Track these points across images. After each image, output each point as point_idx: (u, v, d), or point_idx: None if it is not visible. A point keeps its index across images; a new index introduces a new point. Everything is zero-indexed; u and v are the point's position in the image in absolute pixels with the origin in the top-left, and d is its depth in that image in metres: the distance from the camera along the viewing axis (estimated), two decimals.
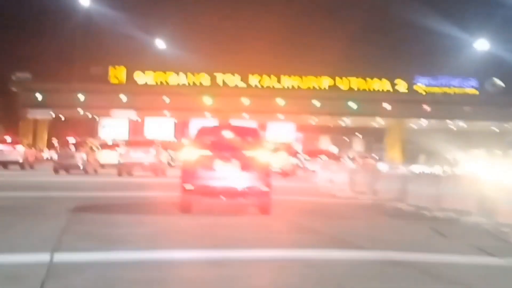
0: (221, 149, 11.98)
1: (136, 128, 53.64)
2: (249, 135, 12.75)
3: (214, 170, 11.73)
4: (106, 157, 33.27)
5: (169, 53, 50.80)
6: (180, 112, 53.13)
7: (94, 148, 31.11)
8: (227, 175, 11.77)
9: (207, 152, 11.88)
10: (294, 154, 36.08)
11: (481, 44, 43.04)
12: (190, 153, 12.07)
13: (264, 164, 12.00)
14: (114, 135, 48.68)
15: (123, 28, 46.90)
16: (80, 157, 28.80)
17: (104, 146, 36.82)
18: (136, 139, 31.56)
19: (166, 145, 33.63)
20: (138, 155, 27.87)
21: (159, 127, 53.48)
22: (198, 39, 52.00)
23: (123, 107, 51.88)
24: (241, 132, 13.05)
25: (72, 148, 29.16)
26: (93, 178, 25.74)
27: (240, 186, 11.75)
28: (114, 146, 37.12)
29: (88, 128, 52.14)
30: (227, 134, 12.78)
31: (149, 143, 29.06)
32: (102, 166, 32.49)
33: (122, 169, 27.72)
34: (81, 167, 28.68)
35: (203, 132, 12.92)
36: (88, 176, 26.68)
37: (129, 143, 29.84)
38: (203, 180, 11.65)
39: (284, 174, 30.77)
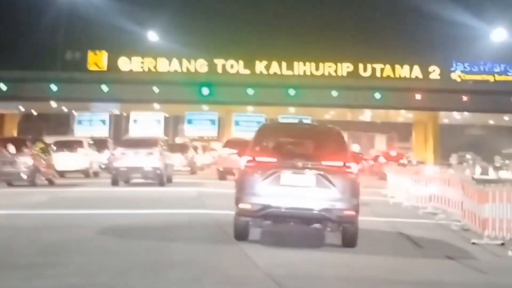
0: (291, 156, 10.64)
1: (119, 123, 52.02)
2: (329, 138, 11.18)
3: (281, 184, 10.40)
4: (70, 161, 29.69)
5: (161, 36, 49.67)
6: (172, 105, 51.07)
7: (45, 149, 25.74)
8: (299, 192, 10.40)
9: (271, 160, 10.57)
10: None
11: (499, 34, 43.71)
12: (247, 160, 10.66)
13: (350, 178, 10.53)
14: (93, 132, 47.12)
15: (106, 11, 46.14)
16: (23, 163, 23.61)
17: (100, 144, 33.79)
18: (134, 138, 27.75)
19: (173, 145, 30.39)
20: (138, 158, 25.04)
21: (146, 122, 51.80)
22: (196, 22, 49.08)
23: (104, 99, 49.11)
24: (318, 133, 11.71)
25: (11, 150, 23.90)
26: (67, 190, 22.94)
27: (316, 208, 10.32)
28: (103, 146, 33.88)
29: (64, 124, 48.79)
30: (299, 136, 11.34)
31: (152, 143, 26.01)
32: (61, 174, 28.96)
33: (118, 176, 24.99)
34: (24, 177, 23.61)
35: (265, 132, 11.58)
36: (54, 188, 23.47)
37: (125, 143, 26.76)
38: (265, 198, 10.37)
39: None
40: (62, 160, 29.00)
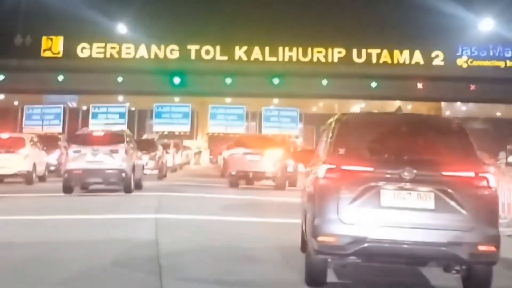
0: (394, 162, 8.19)
1: (76, 118, 50.71)
2: (448, 135, 8.72)
3: (381, 206, 7.95)
4: (6, 163, 26.79)
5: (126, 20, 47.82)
6: (138, 97, 49.67)
7: None
8: (409, 217, 7.94)
9: (365, 169, 8.15)
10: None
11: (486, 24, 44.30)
12: (328, 170, 8.23)
13: (487, 195, 8.05)
14: (44, 127, 46.23)
15: None
16: None
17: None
18: (93, 132, 24.36)
19: (138, 143, 27.91)
20: (98, 158, 22.41)
21: (108, 115, 49.90)
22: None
23: (59, 90, 47.32)
24: (431, 128, 8.96)
25: None
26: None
27: (437, 241, 7.86)
28: (53, 143, 31.02)
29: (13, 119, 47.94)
30: (403, 132, 8.71)
31: (115, 138, 23.25)
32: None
33: (70, 181, 22.43)
34: None
35: (349, 126, 8.81)
36: None
37: (81, 139, 23.70)
38: (358, 227, 7.96)
39: (277, 184, 27.04)
40: None
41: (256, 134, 29.98)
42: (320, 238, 8.08)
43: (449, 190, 7.89)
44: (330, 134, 8.76)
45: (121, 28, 47.35)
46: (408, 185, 7.98)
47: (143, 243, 11.77)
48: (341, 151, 8.40)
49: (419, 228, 7.93)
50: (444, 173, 8.00)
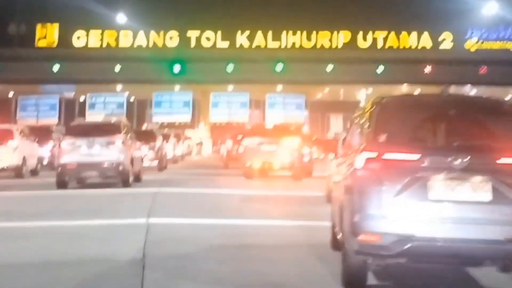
0: (443, 149, 7.49)
1: (73, 108, 50.32)
2: (502, 117, 7.91)
3: (430, 199, 7.22)
4: None
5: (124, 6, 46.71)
6: (137, 86, 48.97)
7: None
8: (463, 211, 7.22)
9: (411, 157, 7.39)
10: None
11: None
12: (369, 159, 7.49)
13: None
14: (40, 118, 46.22)
15: None
16: None
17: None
18: (88, 123, 23.69)
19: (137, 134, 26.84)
20: (94, 150, 21.58)
21: (106, 105, 49.85)
22: None
23: (55, 79, 46.64)
24: (481, 109, 8.15)
25: None
26: None
27: (497, 238, 7.12)
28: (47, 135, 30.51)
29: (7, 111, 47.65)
30: (450, 115, 7.90)
31: (112, 129, 22.43)
32: None
33: (65, 175, 21.61)
34: None
35: (389, 109, 8.04)
36: None
37: (76, 130, 22.84)
38: (404, 224, 7.23)
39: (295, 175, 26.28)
40: None
41: (270, 123, 29.60)
42: (361, 237, 7.39)
43: (508, 180, 7.15)
44: (367, 119, 7.97)
45: (119, 14, 46.48)
46: (460, 175, 7.26)
47: (124, 265, 9.12)
48: (382, 138, 7.59)
49: (474, 223, 7.22)
50: (502, 160, 7.23)
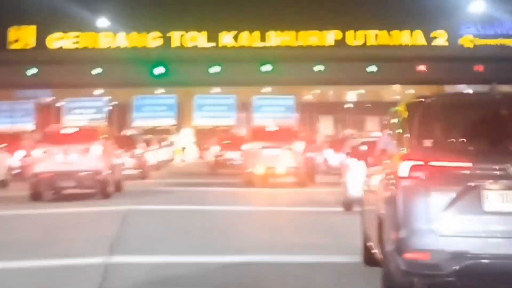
0: (496, 155, 7.09)
1: (49, 114, 49.47)
2: None
3: (485, 211, 6.88)
4: None
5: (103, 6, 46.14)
6: (117, 90, 49.42)
7: None
8: None
9: (461, 164, 7.01)
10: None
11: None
12: (413, 167, 7.09)
13: None
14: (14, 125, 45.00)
15: None
16: None
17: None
18: (63, 129, 23.04)
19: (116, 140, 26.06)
20: (70, 158, 20.74)
21: (85, 110, 48.72)
22: None
23: (30, 84, 46.51)
24: None
25: None
26: None
27: None
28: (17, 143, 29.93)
29: None
30: (500, 117, 7.66)
31: (89, 135, 21.63)
32: None
33: (38, 186, 20.68)
34: None
35: (431, 111, 7.66)
36: None
37: (50, 137, 22.14)
38: (456, 239, 6.87)
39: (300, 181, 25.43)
40: None
41: (272, 125, 29.06)
42: (407, 255, 7.04)
43: None
44: (408, 122, 7.65)
45: (98, 15, 45.91)
46: None
47: None
48: (427, 142, 7.33)
49: None
50: None
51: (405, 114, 7.84)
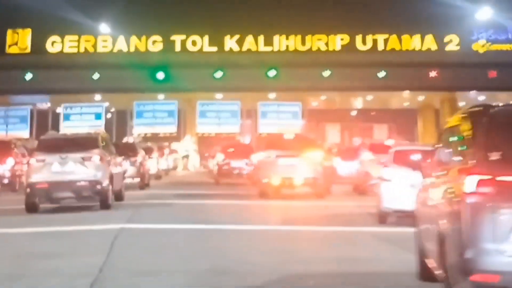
0: None
1: (46, 120, 49.80)
2: None
3: None
4: None
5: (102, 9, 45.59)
6: (117, 96, 48.49)
7: None
8: None
9: None
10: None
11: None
12: (480, 182, 6.95)
13: None
14: (8, 132, 45.25)
15: None
16: None
17: None
18: (60, 136, 22.55)
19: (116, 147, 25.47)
20: (67, 167, 20.01)
21: (83, 116, 48.74)
22: None
23: (27, 89, 46.19)
24: None
25: None
26: None
27: None
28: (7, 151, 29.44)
29: None
30: None
31: (88, 143, 20.87)
32: None
33: (34, 197, 20.02)
34: None
35: (492, 120, 7.44)
36: None
37: (46, 145, 21.18)
38: None
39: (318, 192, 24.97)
40: None
41: (288, 133, 28.63)
42: (475, 277, 6.96)
43: None
44: (471, 133, 7.47)
45: (97, 19, 45.37)
46: None
47: None
48: (494, 155, 7.09)
49: None
50: None
51: (468, 124, 7.67)
